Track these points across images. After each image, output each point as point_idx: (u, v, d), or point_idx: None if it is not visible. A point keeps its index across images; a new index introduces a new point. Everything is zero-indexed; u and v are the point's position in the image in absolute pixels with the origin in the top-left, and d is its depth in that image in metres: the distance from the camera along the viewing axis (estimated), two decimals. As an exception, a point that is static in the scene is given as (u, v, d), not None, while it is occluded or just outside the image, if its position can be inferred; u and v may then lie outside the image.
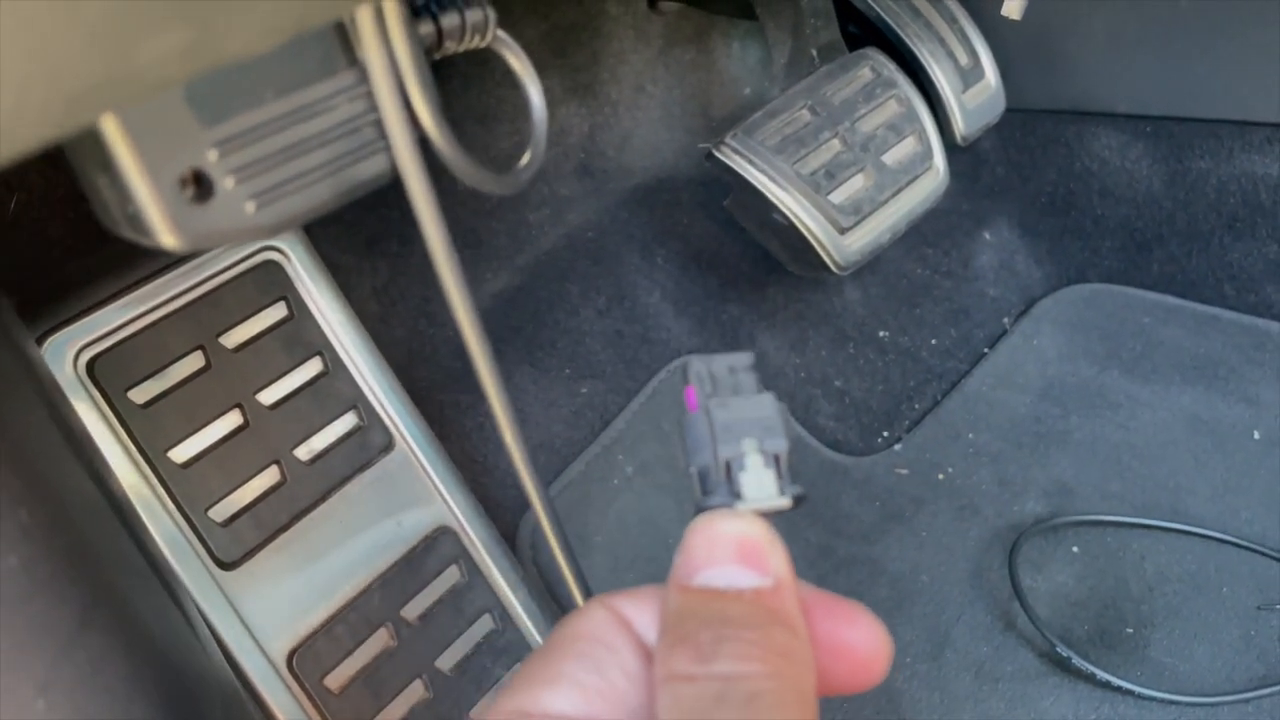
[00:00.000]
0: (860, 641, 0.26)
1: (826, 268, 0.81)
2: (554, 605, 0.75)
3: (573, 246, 1.00)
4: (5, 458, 0.29)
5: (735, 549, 0.25)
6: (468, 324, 0.29)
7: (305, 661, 0.61)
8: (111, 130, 0.24)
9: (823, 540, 0.87)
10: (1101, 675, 0.72)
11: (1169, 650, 0.75)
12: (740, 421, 0.27)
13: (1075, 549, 0.84)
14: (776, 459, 0.27)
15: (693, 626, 0.24)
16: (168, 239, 0.26)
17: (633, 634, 0.26)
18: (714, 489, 0.27)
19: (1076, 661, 0.73)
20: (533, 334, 0.93)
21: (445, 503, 0.69)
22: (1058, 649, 0.74)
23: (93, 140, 0.24)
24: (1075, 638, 0.77)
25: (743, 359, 0.28)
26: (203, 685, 0.36)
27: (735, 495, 0.26)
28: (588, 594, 0.46)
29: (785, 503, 0.27)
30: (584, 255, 0.99)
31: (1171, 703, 0.71)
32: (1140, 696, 0.72)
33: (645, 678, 0.25)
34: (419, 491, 0.69)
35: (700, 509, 0.27)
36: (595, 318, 0.96)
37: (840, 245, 0.79)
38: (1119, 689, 0.72)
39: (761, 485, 0.26)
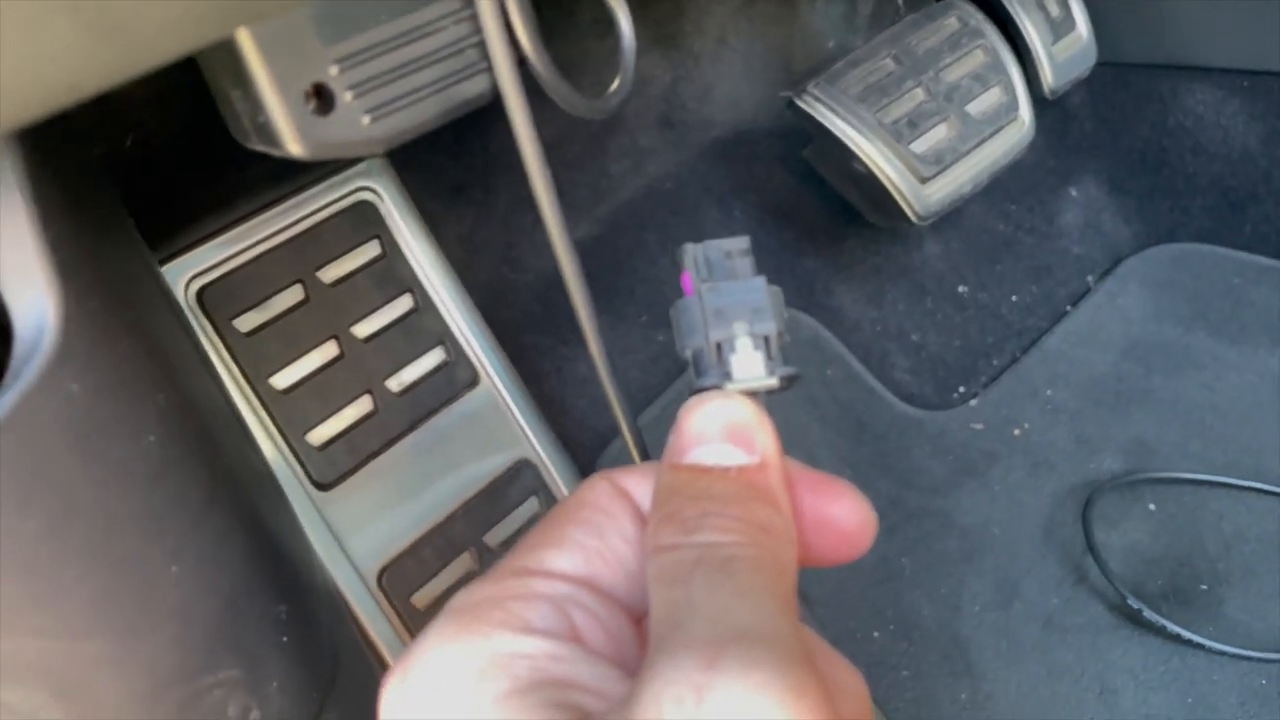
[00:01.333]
0: (844, 516, 0.27)
1: (906, 218, 0.81)
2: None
3: (652, 197, 1.01)
4: (145, 348, 0.32)
5: (724, 428, 0.26)
6: (560, 241, 0.31)
7: (394, 579, 0.65)
8: (246, 45, 0.26)
9: (893, 492, 0.88)
10: (1173, 628, 0.72)
11: (1244, 608, 0.75)
12: (733, 305, 0.27)
13: (1152, 506, 0.83)
14: (767, 340, 0.28)
15: (679, 502, 0.25)
16: (294, 147, 0.28)
17: (631, 503, 0.27)
18: (706, 371, 0.28)
19: (1148, 614, 0.73)
20: (611, 281, 0.95)
21: (527, 437, 0.72)
22: (1129, 601, 0.74)
23: (228, 54, 0.27)
24: (1148, 593, 0.76)
25: (739, 243, 0.29)
26: (310, 576, 0.39)
27: (725, 376, 0.27)
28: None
29: (773, 383, 0.27)
30: (663, 206, 1.01)
31: (1244, 658, 0.71)
32: (1211, 651, 0.72)
33: (641, 543, 0.26)
34: (502, 426, 0.71)
35: (694, 390, 0.28)
36: (672, 268, 0.98)
37: (920, 194, 0.79)
38: (1190, 643, 0.72)
39: (751, 366, 0.27)
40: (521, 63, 0.30)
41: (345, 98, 0.28)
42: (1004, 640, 0.76)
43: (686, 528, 0.24)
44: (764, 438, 0.26)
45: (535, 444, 0.72)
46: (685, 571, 0.23)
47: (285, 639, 0.34)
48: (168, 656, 0.29)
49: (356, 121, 0.28)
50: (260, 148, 0.29)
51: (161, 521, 0.30)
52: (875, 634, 0.79)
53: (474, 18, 0.30)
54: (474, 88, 0.32)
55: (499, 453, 0.71)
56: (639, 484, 0.27)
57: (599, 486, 0.27)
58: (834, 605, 0.81)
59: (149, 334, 0.32)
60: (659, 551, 0.24)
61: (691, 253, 0.29)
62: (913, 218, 0.80)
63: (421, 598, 0.66)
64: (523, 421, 0.72)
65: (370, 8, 0.28)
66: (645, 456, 0.44)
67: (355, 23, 0.28)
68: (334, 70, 0.28)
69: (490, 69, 0.31)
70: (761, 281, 0.28)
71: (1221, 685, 0.70)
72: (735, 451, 0.26)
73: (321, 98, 0.28)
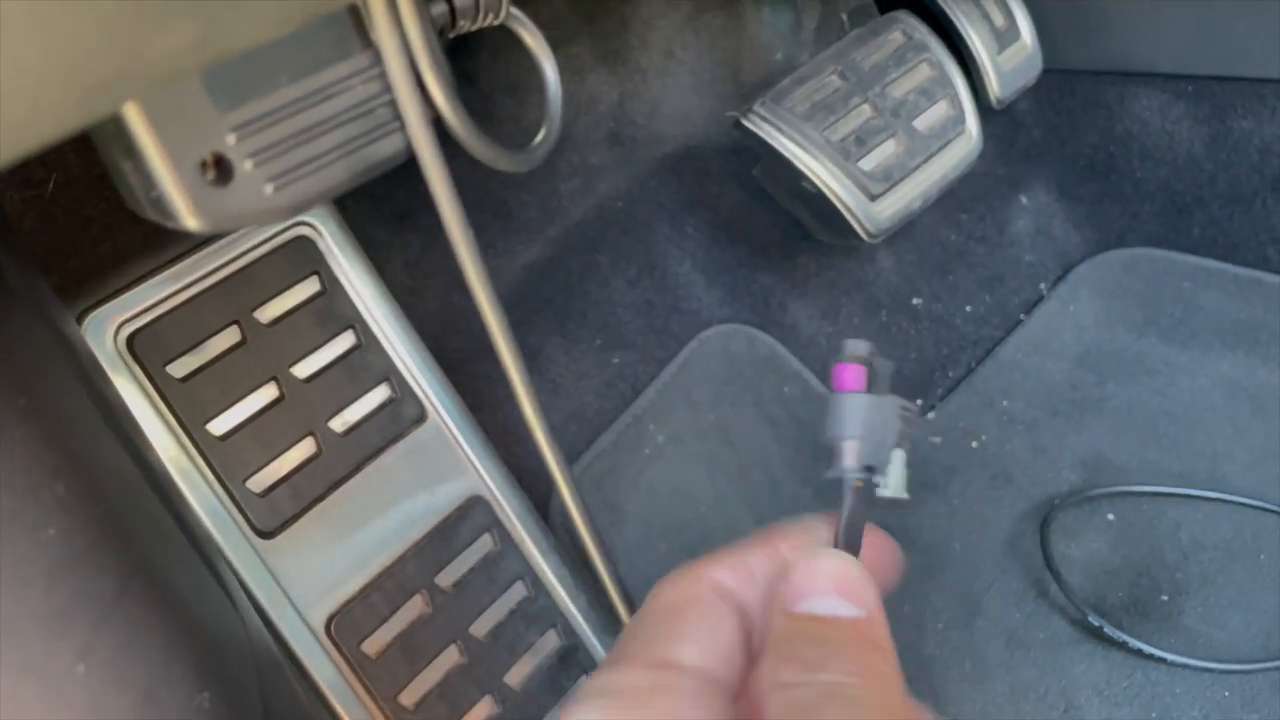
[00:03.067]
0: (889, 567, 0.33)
1: (857, 236, 0.80)
2: (585, 574, 0.76)
3: (603, 217, 1.00)
4: (42, 433, 0.30)
5: (834, 582, 0.29)
6: (486, 302, 0.30)
7: (343, 628, 0.63)
8: (134, 118, 0.24)
9: (854, 508, 0.87)
10: (1134, 643, 0.72)
11: (1204, 618, 0.75)
12: (891, 418, 0.33)
13: (1110, 517, 0.83)
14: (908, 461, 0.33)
15: (799, 645, 0.27)
16: (190, 221, 0.26)
17: (733, 601, 0.30)
18: (852, 467, 0.33)
19: (1109, 630, 0.73)
20: (563, 305, 0.94)
21: (478, 473, 0.70)
22: (1090, 619, 0.74)
23: (116, 127, 0.25)
24: (1109, 606, 0.76)
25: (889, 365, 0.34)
26: (239, 653, 0.38)
27: (872, 476, 0.33)
28: (611, 565, 0.46)
29: (906, 498, 0.33)
30: (614, 225, 0.99)
31: (1205, 670, 0.71)
32: (1173, 664, 0.72)
33: (743, 642, 0.29)
34: (452, 462, 0.70)
35: (837, 478, 0.33)
36: (626, 288, 0.97)
37: (870, 212, 0.78)
38: (1152, 657, 0.72)
39: (899, 482, 0.33)
40: (437, 120, 0.29)
41: (245, 167, 0.27)
42: (968, 659, 0.76)
43: (810, 667, 0.26)
44: (870, 593, 0.29)
45: (487, 479, 0.71)
46: (815, 705, 0.25)
47: (209, 728, 0.33)
48: (75, 764, 0.28)
49: (259, 191, 0.27)
50: (157, 221, 0.27)
51: (66, 618, 0.28)
52: (839, 657, 0.78)
53: (383, 75, 0.28)
54: (387, 148, 0.30)
55: (448, 490, 0.69)
56: (731, 577, 0.30)
57: (701, 582, 0.30)
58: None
59: (48, 416, 0.30)
60: (784, 688, 0.26)
61: (860, 350, 0.33)
62: (864, 235, 0.79)
63: (372, 644, 0.64)
64: (473, 457, 0.70)
65: (268, 70, 0.26)
66: (584, 507, 0.43)
67: (253, 86, 0.26)
68: (232, 139, 0.26)
69: (403, 128, 0.29)
70: (915, 407, 0.33)
71: (1184, 699, 0.70)
72: (845, 604, 0.28)
73: (220, 168, 0.26)
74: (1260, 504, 0.79)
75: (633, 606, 0.81)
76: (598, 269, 0.97)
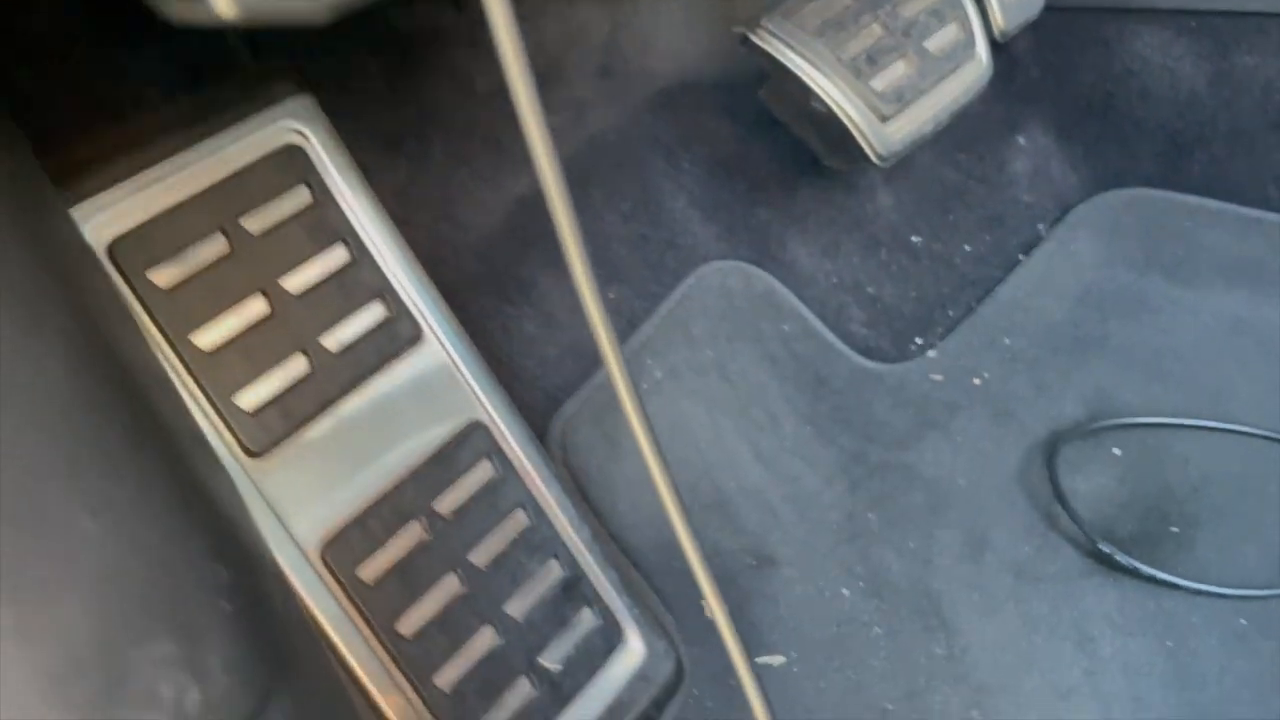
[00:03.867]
0: None
1: (866, 159, 0.78)
2: (586, 506, 0.74)
3: (595, 150, 0.96)
4: (45, 270, 0.26)
5: None
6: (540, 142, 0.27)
7: (338, 553, 0.60)
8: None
9: (855, 446, 0.85)
10: (1146, 570, 0.71)
11: (1215, 548, 0.74)
12: None
13: (1117, 451, 0.82)
14: None
15: None
16: (224, 8, 0.23)
17: None
18: None
19: (1120, 557, 0.72)
20: (556, 238, 0.90)
21: (477, 398, 0.67)
22: (1100, 547, 0.73)
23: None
24: (1119, 538, 0.75)
25: None
26: (254, 543, 0.34)
27: None
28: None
29: None
30: (607, 159, 0.96)
31: (1220, 597, 0.70)
32: (1187, 591, 0.70)
33: None
34: (450, 385, 0.67)
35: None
36: (620, 222, 0.93)
37: (882, 134, 0.76)
38: (1165, 584, 0.71)
39: None
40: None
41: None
42: (976, 592, 0.74)
43: None
44: None
45: (486, 404, 0.67)
46: None
47: (228, 607, 0.29)
48: (85, 627, 0.24)
49: (298, -27, 0.23)
50: (185, 18, 0.24)
51: (75, 465, 0.25)
52: (845, 592, 0.76)
53: None
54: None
55: (448, 415, 0.66)
56: None
57: None
58: (801, 565, 0.78)
59: (50, 259, 0.27)
60: None
61: None
62: (874, 158, 0.77)
63: (369, 571, 0.61)
64: (471, 380, 0.67)
65: None
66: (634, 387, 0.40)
67: None
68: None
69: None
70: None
71: (1200, 628, 0.69)
72: None
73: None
74: (1269, 434, 0.78)
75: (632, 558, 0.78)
76: (590, 203, 0.93)
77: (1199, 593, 0.70)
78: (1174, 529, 0.75)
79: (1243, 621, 0.69)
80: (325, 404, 0.62)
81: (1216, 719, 0.64)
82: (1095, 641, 0.69)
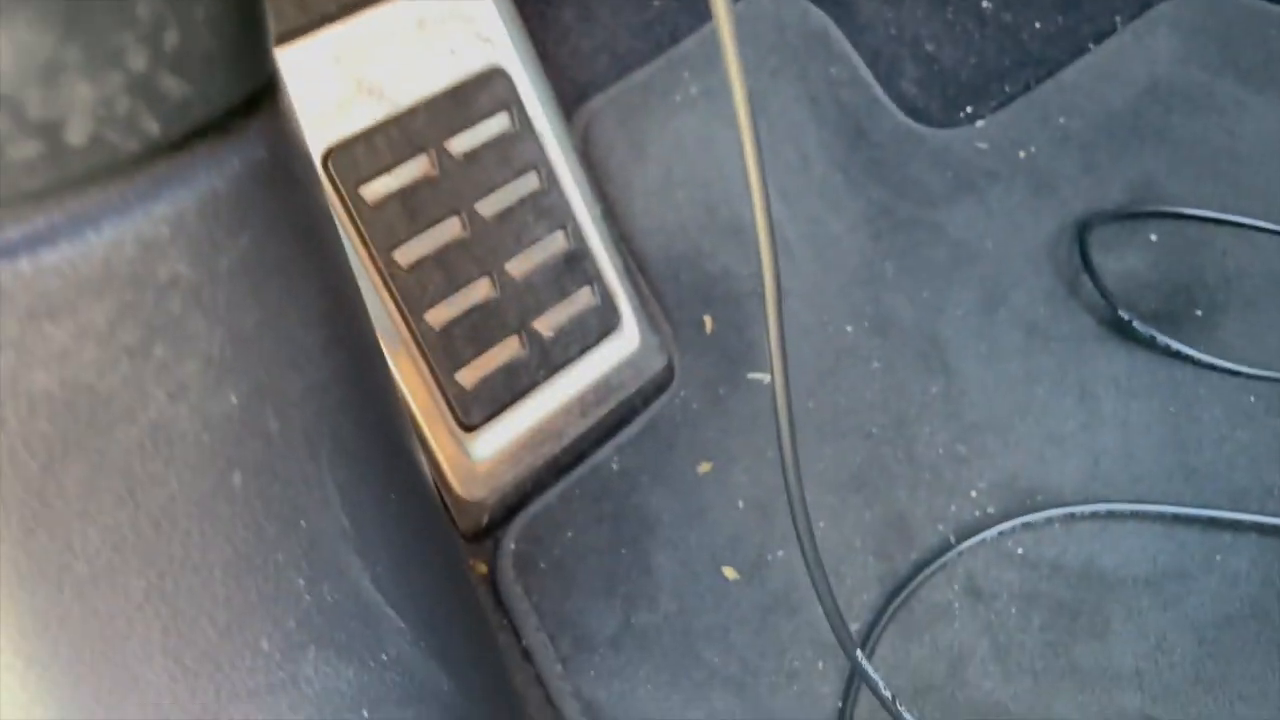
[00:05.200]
0: None
1: None
2: (600, 189, 0.71)
3: None
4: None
5: None
6: None
7: (341, 163, 0.57)
8: None
9: (885, 200, 0.82)
10: (1162, 339, 0.69)
11: (1238, 334, 0.71)
12: None
13: (1154, 238, 0.79)
14: None
15: None
16: None
17: None
18: None
19: (1138, 324, 0.69)
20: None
21: (506, 43, 0.64)
22: (1120, 313, 0.70)
23: None
24: (1140, 313, 0.72)
25: None
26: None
27: None
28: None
29: None
30: None
31: (1232, 374, 0.68)
32: (1200, 365, 0.68)
33: None
34: (479, 22, 0.63)
35: None
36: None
37: None
38: (1179, 355, 0.69)
39: None
40: None
41: None
42: (984, 343, 0.72)
43: None
44: None
45: (515, 53, 0.64)
46: None
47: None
48: None
49: None
50: None
51: None
52: (849, 328, 0.74)
53: None
54: None
55: (472, 52, 0.63)
56: None
57: None
58: (808, 299, 0.76)
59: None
60: None
61: None
62: None
63: (371, 191, 0.58)
64: (503, 24, 0.64)
65: None
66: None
67: None
68: None
69: None
70: None
71: (1206, 399, 0.67)
72: None
73: None
74: (1319, 234, 0.75)
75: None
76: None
77: (1212, 367, 0.68)
78: (1199, 313, 0.73)
79: (1252, 399, 0.67)
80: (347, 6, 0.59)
81: (1209, 481, 0.63)
82: (1097, 399, 0.68)
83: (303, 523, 0.31)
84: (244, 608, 0.30)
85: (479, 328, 0.62)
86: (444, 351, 0.60)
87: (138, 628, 0.28)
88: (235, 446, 0.29)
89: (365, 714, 0.32)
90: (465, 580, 0.42)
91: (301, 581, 0.31)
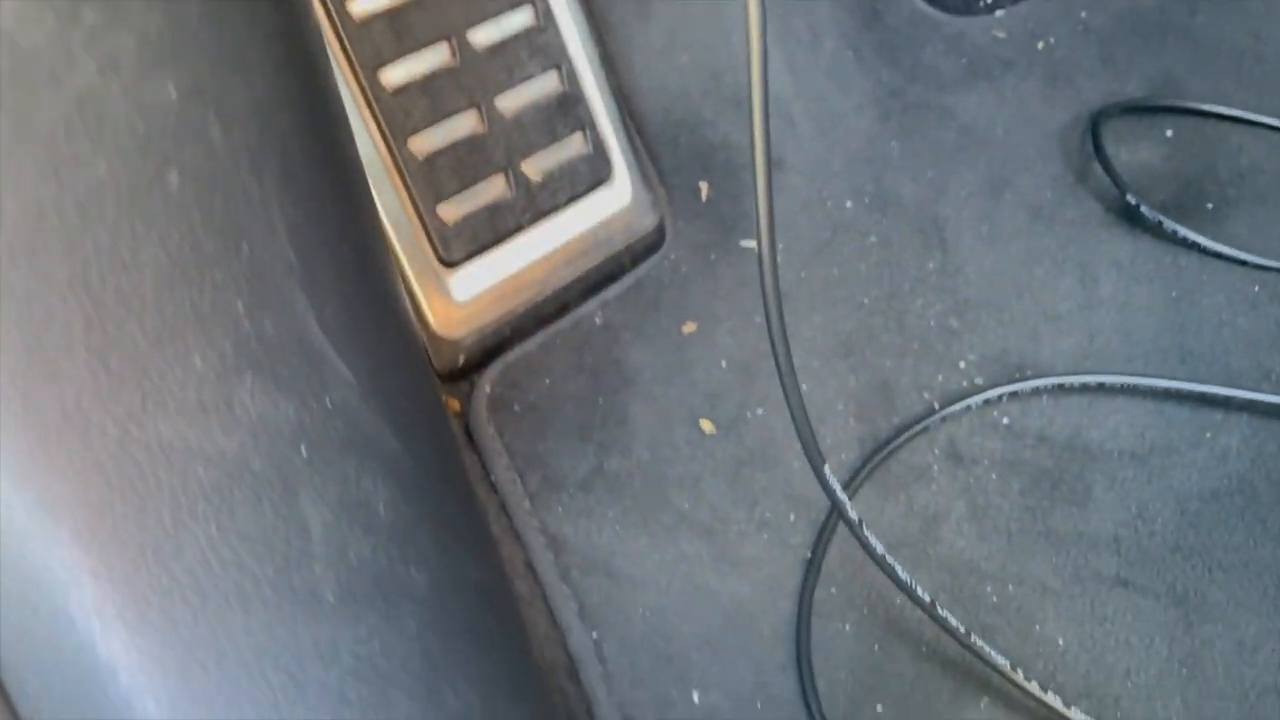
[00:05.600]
0: None
1: None
2: (601, 44, 0.69)
3: None
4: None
5: None
6: None
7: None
8: None
9: (895, 83, 0.80)
10: (1169, 224, 0.67)
11: (1248, 227, 0.69)
12: None
13: (1169, 133, 0.76)
14: None
15: None
16: None
17: None
18: None
19: (1145, 209, 0.67)
20: None
21: None
22: (1128, 197, 0.68)
23: None
24: (1149, 202, 0.70)
25: None
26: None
27: None
28: None
29: None
30: None
31: (1239, 262, 0.66)
32: (1206, 252, 0.66)
33: None
34: None
35: None
36: None
37: None
38: (1186, 241, 0.67)
39: None
40: None
41: None
42: (986, 224, 0.70)
43: None
44: None
45: None
46: None
47: None
48: None
49: None
50: None
51: None
52: (848, 204, 0.72)
53: None
54: None
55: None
56: None
57: None
58: (809, 173, 0.74)
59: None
60: None
61: None
62: None
63: (359, 6, 0.56)
64: None
65: None
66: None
67: None
68: None
69: None
70: None
71: (1210, 286, 0.65)
72: None
73: None
74: (1340, 131, 0.73)
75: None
76: None
77: (1219, 256, 0.66)
78: (1209, 206, 0.71)
79: (1256, 288, 0.65)
80: None
81: (1205, 365, 0.61)
82: (1097, 282, 0.66)
83: (245, 246, 0.30)
84: (176, 319, 0.28)
85: (464, 162, 0.60)
86: (426, 182, 0.59)
87: (58, 315, 0.27)
88: (173, 143, 0.28)
89: (304, 452, 0.31)
90: (425, 368, 0.41)
91: (240, 305, 0.30)
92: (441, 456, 0.37)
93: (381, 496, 0.32)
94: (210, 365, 0.29)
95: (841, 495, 0.43)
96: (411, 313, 0.55)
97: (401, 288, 0.41)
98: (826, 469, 0.42)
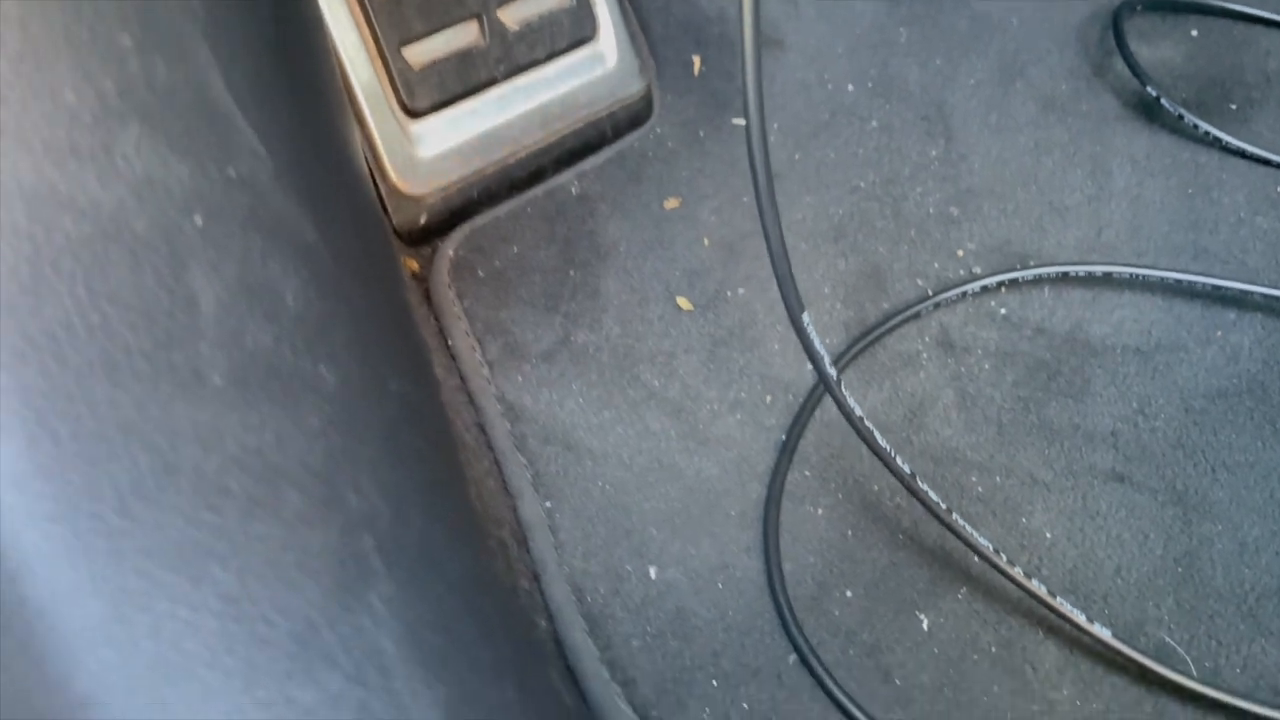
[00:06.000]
0: None
1: None
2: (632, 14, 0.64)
3: None
4: None
5: None
6: None
7: None
8: None
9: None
10: (1190, 118, 0.62)
11: (1271, 129, 0.65)
12: None
13: (1195, 33, 0.71)
14: None
15: None
16: None
17: None
18: None
19: (1165, 102, 0.63)
20: None
21: None
22: (1148, 89, 0.64)
23: None
24: (1171, 99, 0.66)
25: None
26: None
27: None
28: None
29: None
30: None
31: (1262, 161, 0.62)
32: (1228, 148, 0.62)
33: None
34: None
35: None
36: None
37: None
38: (1206, 137, 0.62)
39: None
40: None
41: None
42: (994, 113, 0.66)
43: None
44: None
45: None
46: None
47: None
48: None
49: None
50: None
51: None
52: (850, 87, 0.67)
53: None
54: None
55: None
56: None
57: None
58: (810, 54, 0.69)
59: None
60: None
61: None
62: None
63: None
64: None
65: None
66: None
67: None
68: None
69: None
70: None
71: (1229, 184, 0.61)
72: None
73: None
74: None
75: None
76: None
77: (1241, 153, 0.62)
78: (1233, 105, 0.66)
79: (1278, 189, 0.61)
80: None
81: (1220, 262, 0.57)
82: (1110, 175, 0.62)
83: (131, -27, 0.26)
84: (43, 40, 0.24)
85: (434, 6, 0.55)
86: (389, 20, 0.54)
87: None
88: None
89: (198, 220, 0.26)
90: (363, 183, 0.36)
91: (127, 39, 0.26)
92: (375, 267, 0.33)
93: (290, 286, 0.28)
94: (86, 103, 0.25)
95: (820, 347, 0.39)
96: (357, 130, 0.50)
97: (343, 92, 0.37)
98: (806, 317, 0.38)
